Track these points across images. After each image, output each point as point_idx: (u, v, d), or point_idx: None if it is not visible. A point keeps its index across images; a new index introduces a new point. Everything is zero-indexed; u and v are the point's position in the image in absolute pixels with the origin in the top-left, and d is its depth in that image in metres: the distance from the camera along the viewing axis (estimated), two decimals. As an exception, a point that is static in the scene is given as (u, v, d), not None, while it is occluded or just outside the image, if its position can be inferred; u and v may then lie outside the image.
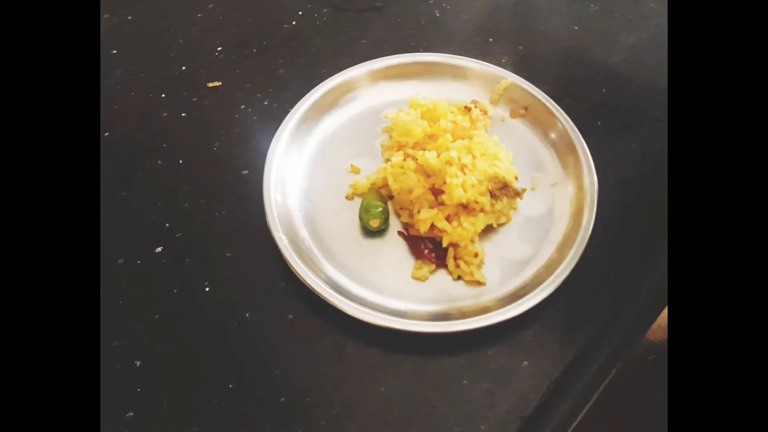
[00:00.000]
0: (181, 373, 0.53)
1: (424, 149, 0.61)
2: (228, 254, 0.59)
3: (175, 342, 0.55)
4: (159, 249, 0.59)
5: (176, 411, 0.51)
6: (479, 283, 0.57)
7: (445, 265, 0.58)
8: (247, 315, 0.56)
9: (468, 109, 0.64)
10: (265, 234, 0.58)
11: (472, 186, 0.57)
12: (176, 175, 0.64)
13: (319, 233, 0.60)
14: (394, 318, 0.53)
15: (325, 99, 0.67)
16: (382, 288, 0.57)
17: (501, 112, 0.68)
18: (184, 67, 0.73)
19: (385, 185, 0.61)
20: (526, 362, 0.54)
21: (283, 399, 0.52)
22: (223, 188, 0.63)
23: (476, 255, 0.57)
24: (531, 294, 0.54)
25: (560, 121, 0.64)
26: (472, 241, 0.58)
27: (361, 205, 0.60)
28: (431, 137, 0.62)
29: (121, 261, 0.58)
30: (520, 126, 0.67)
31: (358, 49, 0.75)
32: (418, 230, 0.58)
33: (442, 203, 0.58)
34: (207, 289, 0.57)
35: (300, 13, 0.78)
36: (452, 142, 0.60)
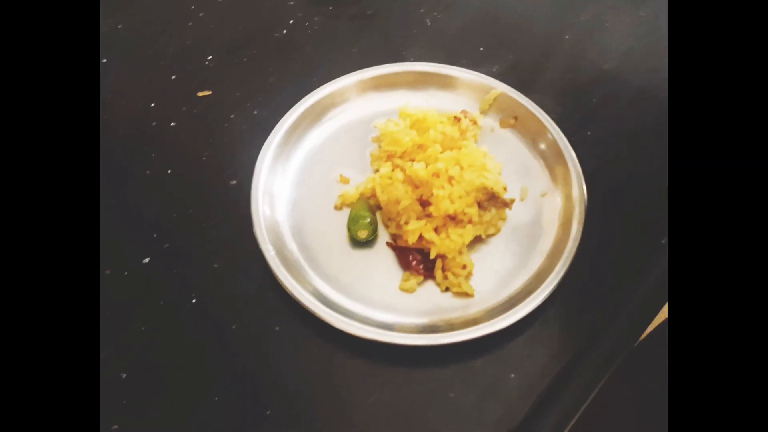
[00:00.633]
0: (167, 385, 0.53)
1: (413, 159, 0.61)
2: (216, 265, 0.59)
3: (161, 354, 0.54)
4: (146, 260, 0.59)
5: (162, 424, 0.51)
6: (467, 295, 0.57)
7: (433, 277, 0.58)
8: (234, 327, 0.56)
9: (457, 119, 0.64)
10: (253, 245, 0.58)
11: (460, 197, 0.57)
12: (165, 185, 0.64)
13: (307, 244, 0.60)
14: (381, 330, 0.53)
15: (314, 109, 0.67)
16: (369, 300, 0.57)
17: (491, 122, 0.68)
18: (174, 76, 0.73)
19: (374, 195, 0.61)
20: (513, 374, 0.54)
21: (269, 412, 0.52)
22: (211, 198, 0.63)
23: (464, 266, 0.57)
24: (519, 305, 0.54)
25: (550, 132, 0.64)
26: (460, 253, 0.58)
27: (349, 216, 0.60)
28: (420, 147, 0.62)
29: (108, 272, 0.58)
30: (509, 136, 0.67)
31: (350, 57, 0.75)
32: (406, 241, 0.58)
33: (429, 215, 0.58)
34: (194, 300, 0.57)
35: (291, 21, 0.78)
36: (441, 152, 0.60)
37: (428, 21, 0.79)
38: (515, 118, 0.67)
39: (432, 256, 0.58)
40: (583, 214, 0.59)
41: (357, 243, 0.60)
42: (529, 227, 0.61)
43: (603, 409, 0.52)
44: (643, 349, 0.56)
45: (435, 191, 0.57)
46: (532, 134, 0.66)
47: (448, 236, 0.57)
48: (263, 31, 0.77)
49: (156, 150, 0.66)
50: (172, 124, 0.69)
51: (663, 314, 0.56)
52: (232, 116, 0.69)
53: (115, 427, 0.51)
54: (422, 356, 0.54)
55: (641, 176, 0.65)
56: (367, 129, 0.67)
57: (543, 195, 0.63)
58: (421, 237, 0.58)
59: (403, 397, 0.53)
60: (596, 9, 0.80)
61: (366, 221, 0.59)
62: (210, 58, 0.74)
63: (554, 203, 0.62)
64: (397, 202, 0.58)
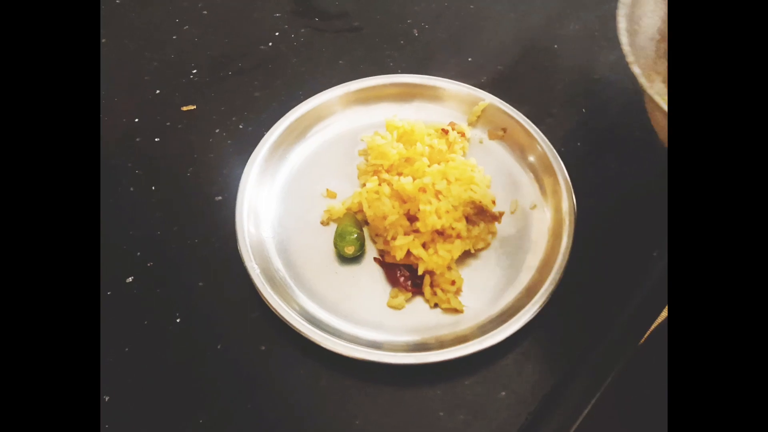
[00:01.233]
0: (151, 408, 0.52)
1: (400, 173, 0.60)
2: (200, 284, 0.58)
3: (144, 376, 0.53)
4: (130, 279, 0.58)
5: (145, 448, 0.50)
6: (457, 311, 0.56)
7: (421, 293, 0.57)
8: (219, 347, 0.55)
9: (445, 131, 0.63)
10: (238, 262, 0.57)
11: (447, 212, 0.57)
12: (149, 201, 0.63)
13: (293, 261, 0.59)
14: (368, 349, 0.52)
15: (300, 122, 0.66)
16: (357, 317, 0.56)
17: (479, 133, 0.67)
18: (158, 91, 0.72)
19: (361, 210, 0.60)
20: (503, 392, 0.53)
21: (254, 434, 0.51)
22: (196, 215, 0.62)
23: (453, 282, 0.56)
24: (510, 321, 0.53)
25: (539, 144, 0.64)
26: (449, 268, 0.57)
27: (336, 232, 0.59)
28: (407, 160, 0.61)
29: (90, 292, 0.57)
30: (498, 148, 0.66)
31: (336, 70, 0.74)
32: (393, 257, 0.57)
33: (417, 230, 0.57)
34: (178, 320, 0.56)
35: (277, 34, 0.78)
36: (429, 166, 0.60)
37: (416, 32, 0.78)
38: (504, 129, 0.66)
39: (420, 272, 0.57)
40: (572, 227, 0.58)
41: (344, 259, 0.59)
42: (519, 240, 0.60)
43: (595, 427, 0.52)
44: (637, 363, 0.55)
45: (422, 206, 0.56)
46: (521, 146, 0.65)
47: (436, 252, 0.57)
48: (249, 45, 0.76)
49: (140, 166, 0.65)
50: (156, 139, 0.68)
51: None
52: (217, 131, 0.68)
53: (97, 452, 0.49)
54: (411, 375, 0.53)
55: (631, 188, 0.64)
56: (354, 142, 0.66)
57: (533, 208, 0.62)
58: (408, 253, 0.57)
59: (391, 416, 0.52)
60: (585, 19, 0.79)
61: (353, 237, 0.58)
62: (195, 71, 0.73)
63: (544, 216, 0.61)
64: (384, 217, 0.57)
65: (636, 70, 0.53)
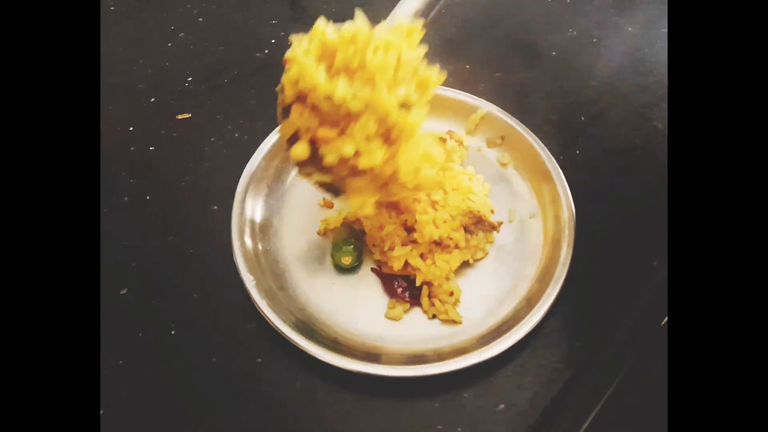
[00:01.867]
0: (145, 421, 0.51)
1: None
2: (195, 295, 0.57)
3: (139, 389, 0.53)
4: (124, 291, 0.57)
5: (139, 463, 0.50)
6: (455, 322, 0.56)
7: (419, 304, 0.56)
8: (214, 359, 0.54)
9: (443, 140, 0.63)
10: (233, 273, 0.56)
11: (444, 222, 0.56)
12: (143, 211, 0.62)
13: (289, 272, 0.58)
14: (366, 363, 0.52)
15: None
16: (354, 329, 0.55)
17: (477, 142, 0.67)
18: (153, 99, 0.71)
19: (358, 220, 0.59)
20: (502, 405, 0.52)
21: (250, 449, 0.50)
22: (191, 225, 0.62)
23: (451, 294, 0.56)
24: (509, 333, 0.53)
25: (537, 152, 0.63)
26: (447, 279, 0.56)
27: (333, 242, 0.58)
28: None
29: (84, 304, 0.56)
30: (497, 156, 0.66)
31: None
32: (391, 268, 0.57)
33: (414, 241, 0.56)
34: (173, 332, 0.55)
35: (273, 41, 0.77)
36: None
37: (413, 37, 0.78)
38: (502, 137, 0.66)
39: (418, 284, 0.56)
40: (572, 237, 0.58)
41: (341, 269, 0.58)
42: (518, 250, 0.60)
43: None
44: (638, 375, 0.55)
45: (418, 217, 0.55)
46: (519, 154, 0.65)
47: (434, 263, 0.56)
48: (245, 52, 0.76)
49: (134, 176, 0.65)
50: (151, 148, 0.67)
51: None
52: (212, 139, 0.68)
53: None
54: (408, 387, 0.53)
55: (631, 196, 0.64)
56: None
57: (532, 217, 0.62)
58: (406, 263, 0.56)
59: (388, 430, 0.51)
60: (583, 26, 0.79)
61: (350, 247, 0.57)
62: (190, 79, 0.73)
63: (542, 225, 0.61)
64: (381, 227, 0.57)
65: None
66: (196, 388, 0.53)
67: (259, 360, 0.54)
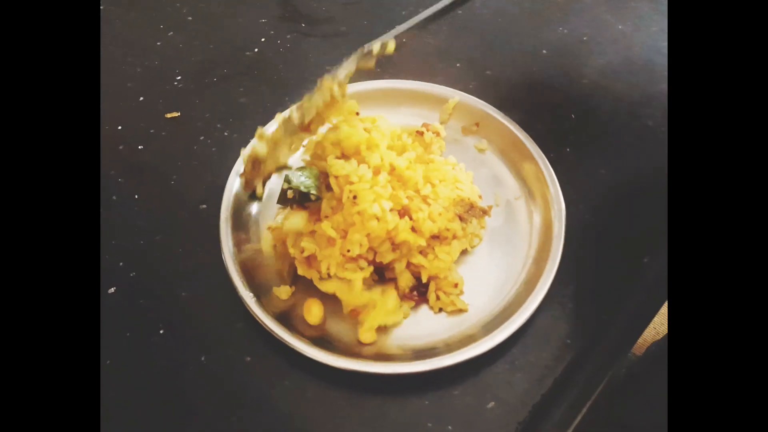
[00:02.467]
0: (134, 421, 0.51)
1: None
2: (184, 294, 0.57)
3: (126, 389, 0.52)
4: (112, 290, 0.57)
5: (127, 463, 0.49)
6: (462, 311, 0.56)
7: (426, 300, 0.56)
8: (203, 358, 0.54)
9: (420, 133, 0.63)
10: (222, 272, 0.56)
11: (439, 214, 0.56)
12: (131, 210, 0.62)
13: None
14: (355, 360, 0.51)
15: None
16: (343, 327, 0.55)
17: (453, 131, 0.67)
18: (141, 98, 0.71)
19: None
20: (493, 402, 0.52)
21: (239, 447, 0.50)
22: (180, 224, 0.61)
23: (456, 285, 0.56)
24: (514, 316, 0.53)
25: (514, 133, 0.64)
26: (450, 270, 0.57)
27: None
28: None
29: (71, 303, 0.56)
30: (473, 142, 0.67)
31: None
32: (393, 269, 0.56)
33: (398, 246, 0.55)
34: (161, 331, 0.55)
35: (263, 39, 0.77)
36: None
37: (404, 38, 0.77)
38: (477, 124, 0.66)
39: (424, 280, 0.56)
40: (562, 213, 0.58)
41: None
42: (509, 232, 0.61)
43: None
44: (629, 371, 0.54)
45: (414, 215, 0.55)
46: (496, 138, 0.66)
47: (436, 257, 0.56)
48: (234, 50, 0.76)
49: (123, 174, 0.64)
50: (139, 147, 0.67)
51: (646, 338, 0.55)
52: (201, 138, 0.67)
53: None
54: (398, 385, 0.52)
55: (621, 194, 0.64)
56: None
57: (517, 198, 0.63)
58: (409, 263, 0.56)
59: (379, 428, 0.51)
60: (573, 24, 0.79)
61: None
62: (179, 78, 0.73)
63: (529, 205, 0.62)
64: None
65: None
66: (185, 388, 0.53)
67: (249, 359, 0.54)
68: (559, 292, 0.55)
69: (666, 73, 0.60)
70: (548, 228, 0.59)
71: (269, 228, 0.58)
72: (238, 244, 0.57)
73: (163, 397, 0.52)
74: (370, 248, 0.54)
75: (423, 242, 0.54)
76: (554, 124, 0.69)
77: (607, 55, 0.76)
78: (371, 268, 0.55)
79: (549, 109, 0.70)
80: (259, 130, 0.58)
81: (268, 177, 0.59)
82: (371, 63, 0.57)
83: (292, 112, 0.57)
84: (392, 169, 0.56)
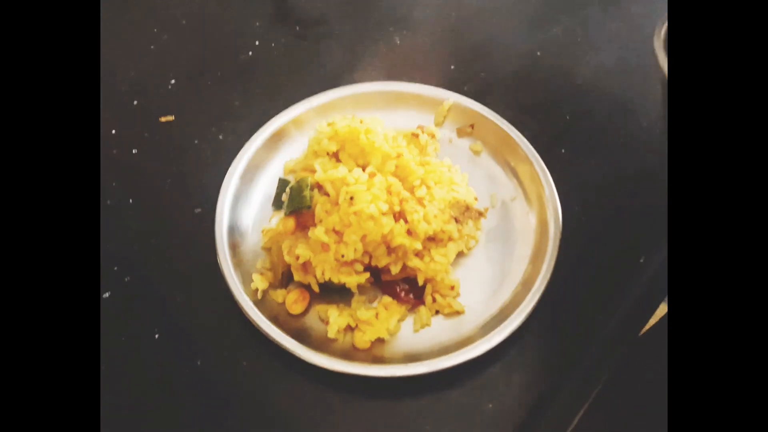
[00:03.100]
0: (129, 425, 0.51)
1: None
2: (179, 298, 0.57)
3: (121, 394, 0.52)
4: (106, 294, 0.57)
5: (122, 469, 0.49)
6: (458, 313, 0.56)
7: (423, 303, 0.56)
8: (199, 362, 0.53)
9: (415, 135, 0.63)
10: (218, 275, 0.56)
11: (435, 216, 0.55)
12: (126, 215, 0.62)
13: (275, 273, 0.58)
14: (353, 363, 0.52)
15: (281, 131, 0.65)
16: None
17: (447, 133, 0.67)
18: (135, 102, 0.70)
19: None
20: (491, 404, 0.52)
21: (236, 452, 0.50)
22: (174, 228, 0.61)
23: (452, 288, 0.56)
24: (512, 316, 0.53)
25: (509, 134, 0.64)
26: (446, 272, 0.56)
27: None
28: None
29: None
30: (468, 144, 0.66)
31: (317, 78, 0.73)
32: (389, 271, 0.56)
33: (394, 250, 0.55)
34: (157, 336, 0.55)
35: (257, 42, 0.76)
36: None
37: (397, 39, 0.77)
38: (472, 126, 0.66)
39: (421, 283, 0.56)
40: (558, 213, 0.59)
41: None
42: (505, 233, 0.61)
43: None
44: (626, 372, 0.54)
45: (409, 217, 0.54)
46: (491, 139, 0.66)
47: (432, 259, 0.56)
48: (228, 53, 0.75)
49: (117, 178, 0.64)
50: (133, 151, 0.66)
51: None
52: (195, 141, 0.67)
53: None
54: (395, 387, 0.52)
55: (617, 194, 0.64)
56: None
57: (513, 199, 0.62)
58: (404, 266, 0.56)
59: (376, 430, 0.51)
60: (567, 24, 0.79)
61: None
62: (173, 82, 0.72)
63: (526, 206, 0.62)
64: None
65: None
66: (181, 392, 0.52)
67: (245, 362, 0.54)
68: (555, 293, 0.55)
69: (659, 74, 0.59)
70: (544, 228, 0.59)
71: (264, 231, 0.58)
72: (233, 248, 0.57)
73: (159, 402, 0.52)
74: (366, 252, 0.54)
75: (419, 245, 0.54)
76: (549, 124, 0.69)
77: (600, 55, 0.76)
78: (367, 274, 0.55)
79: (543, 110, 0.70)
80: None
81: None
82: None
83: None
84: (398, 156, 0.57)
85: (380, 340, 0.54)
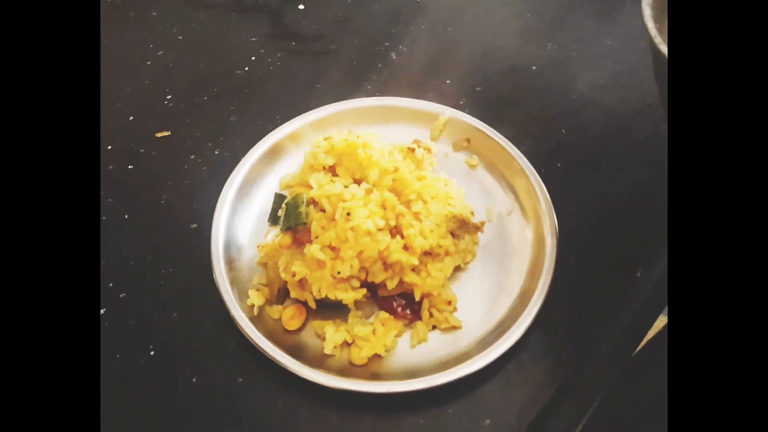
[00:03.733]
0: (123, 445, 0.50)
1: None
2: (174, 314, 0.56)
3: (116, 412, 0.51)
4: (102, 311, 0.56)
5: (117, 488, 0.48)
6: (455, 328, 0.55)
7: (420, 318, 0.56)
8: (195, 380, 0.53)
9: (411, 149, 0.63)
10: (214, 292, 0.55)
11: (431, 231, 0.55)
12: (121, 230, 0.61)
13: (271, 289, 0.57)
14: (349, 379, 0.51)
15: (277, 147, 0.65)
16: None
17: (443, 147, 0.67)
18: (131, 117, 0.70)
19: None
20: (488, 420, 0.52)
21: (231, 471, 0.49)
22: (170, 244, 0.61)
23: (449, 302, 0.56)
24: (509, 331, 0.53)
25: (505, 149, 0.64)
26: (443, 287, 0.56)
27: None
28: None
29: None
30: (464, 158, 0.66)
31: (313, 94, 0.73)
32: (386, 286, 0.56)
33: (391, 266, 0.55)
34: (152, 353, 0.54)
35: (253, 58, 0.77)
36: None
37: (393, 55, 0.78)
38: (468, 140, 0.66)
39: (417, 298, 0.55)
40: (555, 227, 0.59)
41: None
42: (502, 247, 0.61)
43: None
44: (624, 389, 0.54)
45: (405, 231, 0.54)
46: (487, 153, 0.66)
47: (429, 274, 0.55)
48: (224, 69, 0.76)
49: (112, 195, 0.64)
50: (129, 167, 0.66)
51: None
52: (192, 157, 0.67)
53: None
54: (393, 404, 0.52)
55: (613, 208, 0.64)
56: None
57: (509, 213, 0.62)
58: (401, 281, 0.56)
59: (373, 449, 0.50)
60: (562, 39, 0.79)
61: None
62: (169, 97, 0.72)
63: (522, 220, 0.62)
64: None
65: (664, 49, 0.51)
66: (177, 409, 0.52)
67: (241, 379, 0.53)
68: (552, 307, 0.55)
69: (654, 88, 0.60)
70: (541, 243, 0.59)
71: (260, 246, 0.58)
72: (229, 263, 0.57)
73: (154, 419, 0.52)
74: (362, 268, 0.53)
75: (415, 261, 0.54)
76: (544, 139, 0.69)
77: (596, 70, 0.76)
78: (364, 290, 0.54)
79: (539, 124, 0.70)
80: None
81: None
82: None
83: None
84: (396, 169, 0.57)
85: (377, 356, 0.54)
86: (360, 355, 0.53)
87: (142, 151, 0.68)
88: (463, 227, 0.58)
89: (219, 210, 0.59)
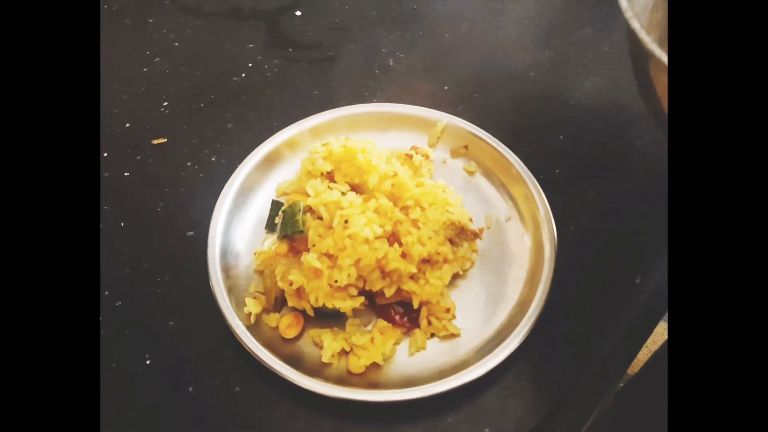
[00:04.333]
0: (119, 455, 0.50)
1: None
2: (171, 323, 0.56)
3: (112, 422, 0.51)
4: (97, 320, 0.56)
5: (112, 499, 0.48)
6: (454, 336, 0.55)
7: (418, 326, 0.55)
8: (191, 389, 0.53)
9: (409, 156, 0.62)
10: (210, 300, 0.55)
11: (429, 238, 0.55)
12: (117, 238, 0.61)
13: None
14: (347, 388, 0.51)
15: (274, 154, 0.64)
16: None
17: (441, 154, 0.67)
18: (128, 124, 0.70)
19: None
20: (487, 429, 0.51)
21: (228, 481, 0.49)
22: (167, 251, 0.60)
23: (448, 310, 0.55)
24: (507, 340, 0.53)
25: (503, 155, 0.64)
26: (442, 295, 0.56)
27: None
28: None
29: (55, 334, 0.55)
30: (463, 165, 0.66)
31: (311, 101, 0.73)
32: (383, 294, 0.55)
33: (389, 274, 0.55)
34: (148, 362, 0.54)
35: (250, 65, 0.77)
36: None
37: (391, 61, 0.78)
38: (465, 146, 0.66)
39: (416, 306, 0.55)
40: (554, 234, 0.58)
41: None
42: (501, 254, 0.60)
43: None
44: (624, 395, 0.54)
45: (403, 239, 0.54)
46: (485, 160, 0.66)
47: (427, 281, 0.55)
48: (221, 76, 0.75)
49: (108, 202, 0.63)
50: (125, 174, 0.66)
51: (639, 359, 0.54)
52: (188, 164, 0.67)
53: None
54: (391, 413, 0.52)
55: (611, 214, 0.64)
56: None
57: (508, 220, 0.62)
58: (400, 289, 0.55)
59: (371, 458, 0.50)
60: (560, 46, 0.79)
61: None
62: (166, 104, 0.72)
63: (520, 226, 0.61)
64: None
65: (635, 24, 0.51)
66: (173, 419, 0.52)
67: (238, 388, 0.53)
68: (551, 315, 0.55)
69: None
70: (539, 250, 0.58)
71: (257, 253, 0.58)
72: (226, 271, 0.57)
73: (151, 429, 0.51)
74: (360, 276, 0.53)
75: (413, 269, 0.53)
76: (543, 145, 0.69)
77: (593, 77, 0.76)
78: (361, 298, 0.54)
79: (537, 131, 0.70)
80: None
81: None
82: None
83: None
84: (394, 174, 0.57)
85: (375, 365, 0.53)
86: (358, 363, 0.53)
87: (138, 158, 0.67)
88: (461, 234, 0.57)
89: (216, 217, 0.59)
